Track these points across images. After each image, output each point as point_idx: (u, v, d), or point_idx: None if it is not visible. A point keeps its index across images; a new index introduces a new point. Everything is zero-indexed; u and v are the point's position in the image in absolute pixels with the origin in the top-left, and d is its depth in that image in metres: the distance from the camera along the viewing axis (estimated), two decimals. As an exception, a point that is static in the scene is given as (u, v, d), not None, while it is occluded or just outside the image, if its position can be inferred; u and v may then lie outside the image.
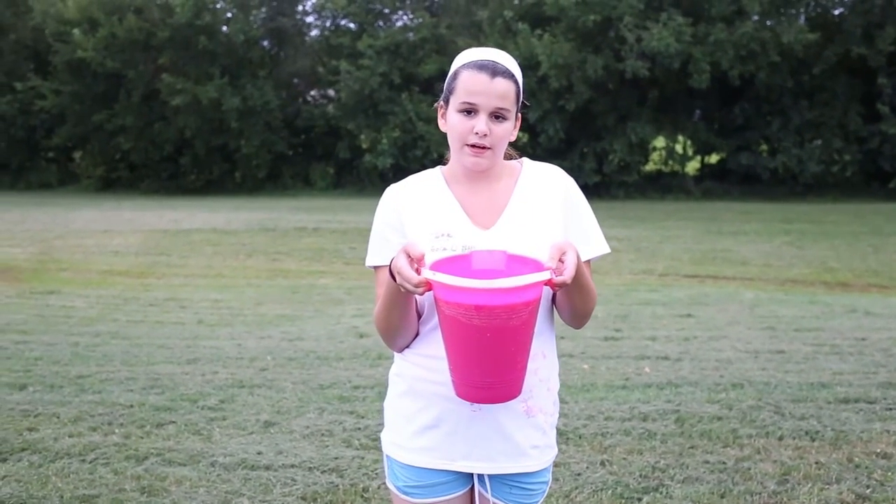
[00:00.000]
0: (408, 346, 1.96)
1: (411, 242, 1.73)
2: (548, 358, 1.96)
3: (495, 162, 1.93)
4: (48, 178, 31.12)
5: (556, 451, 2.04)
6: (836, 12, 27.35)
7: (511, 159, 2.03)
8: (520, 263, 1.74)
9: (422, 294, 1.70)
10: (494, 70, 1.87)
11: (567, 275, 1.67)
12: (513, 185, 1.97)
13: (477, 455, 1.92)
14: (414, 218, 1.93)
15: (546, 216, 1.93)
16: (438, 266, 1.71)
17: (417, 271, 1.69)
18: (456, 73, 1.91)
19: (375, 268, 1.97)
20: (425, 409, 1.93)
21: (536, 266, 1.71)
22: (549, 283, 1.67)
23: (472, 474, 1.98)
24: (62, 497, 3.63)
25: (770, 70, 25.18)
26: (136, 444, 4.26)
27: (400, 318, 1.87)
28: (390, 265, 1.76)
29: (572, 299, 1.88)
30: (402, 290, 1.74)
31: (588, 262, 1.95)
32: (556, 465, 3.96)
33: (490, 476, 1.96)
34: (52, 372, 5.84)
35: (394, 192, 2.00)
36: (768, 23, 25.46)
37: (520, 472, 1.95)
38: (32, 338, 7.21)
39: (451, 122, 1.90)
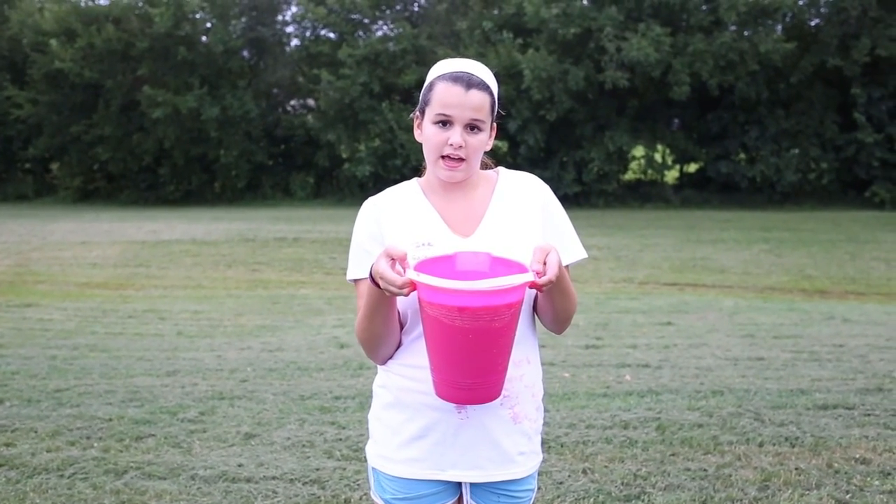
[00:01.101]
0: (391, 357, 1.95)
1: (392, 244, 1.74)
2: (532, 364, 1.97)
3: (470, 173, 1.94)
4: (24, 190, 30.82)
5: (541, 456, 2.05)
6: (813, 23, 27.66)
7: (487, 168, 2.04)
8: (503, 265, 1.74)
9: (406, 295, 1.70)
10: (469, 82, 1.87)
11: (550, 274, 1.68)
12: (490, 194, 1.98)
13: (465, 464, 1.92)
14: (394, 228, 1.93)
15: (525, 223, 1.94)
16: (423, 267, 1.71)
17: (400, 273, 1.69)
18: (431, 85, 1.91)
19: (356, 281, 1.97)
20: (412, 420, 1.93)
21: (520, 268, 1.72)
22: (532, 284, 1.67)
23: (459, 484, 1.98)
24: (40, 512, 3.59)
25: (748, 80, 25.43)
26: (115, 458, 4.22)
27: (382, 326, 1.87)
28: (371, 271, 1.76)
29: (554, 303, 1.89)
30: (387, 293, 1.73)
31: (567, 267, 1.95)
32: (538, 473, 3.97)
33: (478, 485, 1.96)
34: (29, 386, 5.77)
35: (372, 203, 2.00)
36: (746, 33, 25.71)
37: (508, 479, 1.96)
38: (9, 351, 7.12)
39: (426, 133, 1.91)
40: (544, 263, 1.70)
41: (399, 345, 1.94)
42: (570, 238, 1.99)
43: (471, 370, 1.73)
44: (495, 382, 1.78)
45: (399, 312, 1.92)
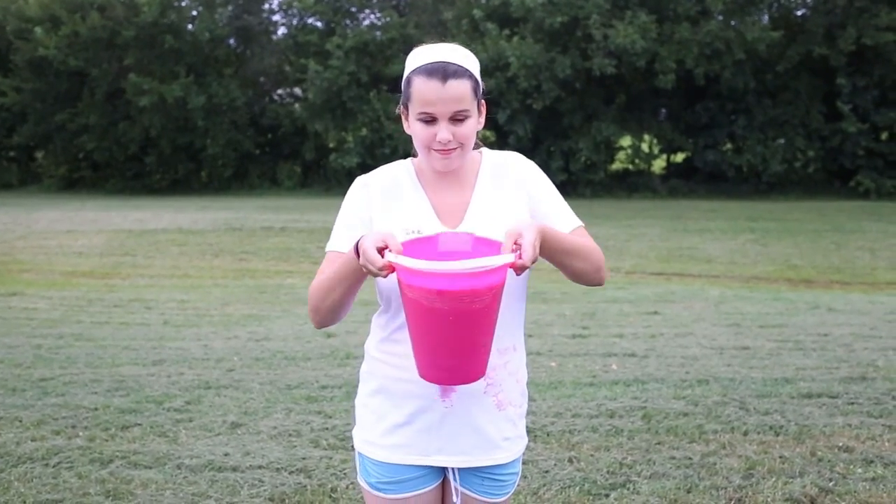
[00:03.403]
0: (334, 320, 1.93)
1: (390, 234, 1.70)
2: (518, 350, 1.98)
3: (465, 157, 1.92)
4: (9, 178, 30.61)
5: (526, 440, 2.06)
6: (799, 13, 27.74)
7: (476, 147, 2.02)
8: (486, 246, 1.72)
9: (384, 277, 1.69)
10: (445, 73, 1.82)
11: (526, 257, 1.65)
12: (474, 177, 1.97)
13: (451, 449, 1.93)
14: (384, 213, 1.92)
15: (511, 204, 1.93)
16: (405, 248, 1.69)
17: (381, 254, 1.68)
18: (409, 80, 1.87)
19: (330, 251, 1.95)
20: (397, 407, 1.93)
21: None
22: (511, 265, 1.66)
23: (443, 468, 1.99)
24: (25, 502, 3.58)
25: (734, 69, 25.49)
26: (101, 448, 4.21)
27: (341, 298, 1.85)
28: (357, 242, 1.73)
29: (564, 266, 1.88)
30: (364, 270, 1.71)
31: (576, 229, 1.95)
32: (524, 462, 3.97)
33: (463, 469, 1.97)
34: (13, 375, 5.75)
35: (363, 184, 1.98)
36: (732, 22, 25.76)
37: (493, 464, 1.96)
38: (-6, 340, 7.09)
39: (413, 129, 1.89)
40: (518, 244, 1.67)
41: (344, 307, 1.91)
42: (560, 209, 1.97)
43: (452, 352, 1.71)
44: (478, 363, 1.77)
45: (381, 293, 1.92)
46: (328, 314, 1.90)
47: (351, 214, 1.94)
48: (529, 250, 1.66)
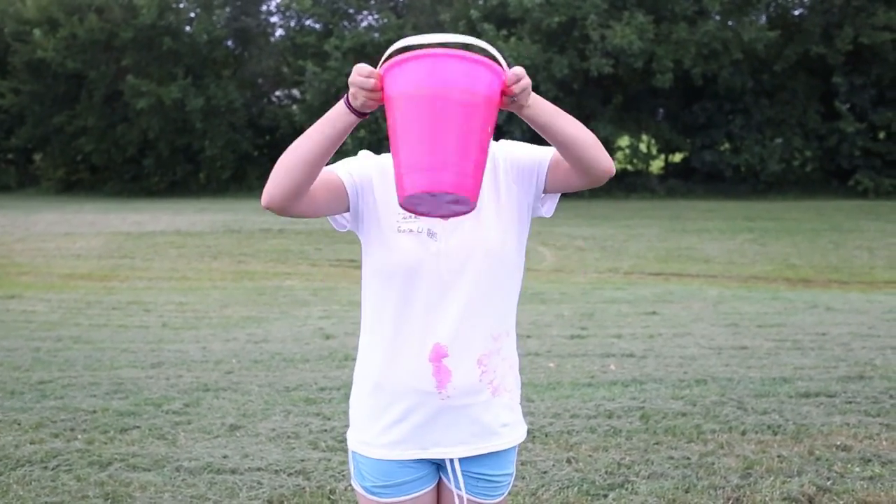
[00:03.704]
0: (286, 197, 1.79)
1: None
2: (510, 336, 1.99)
3: None
4: (7, 181, 30.63)
5: (525, 427, 2.05)
6: (796, 12, 27.80)
7: None
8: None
9: (373, 88, 1.65)
10: None
11: (515, 72, 1.70)
12: None
13: (448, 440, 1.93)
14: (383, 192, 1.91)
15: (503, 190, 1.93)
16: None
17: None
18: None
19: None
20: (392, 404, 1.93)
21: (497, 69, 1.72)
22: (503, 87, 1.69)
23: (438, 471, 1.99)
24: (23, 505, 3.58)
25: (732, 69, 25.53)
26: (100, 450, 4.21)
27: (316, 148, 1.75)
28: (354, 69, 1.71)
29: (560, 134, 1.83)
30: (354, 91, 1.67)
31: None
32: (522, 463, 3.98)
33: (458, 466, 1.96)
34: (12, 378, 5.75)
35: (368, 154, 2.00)
36: (729, 22, 25.80)
37: (493, 450, 1.96)
38: (-8, 343, 7.09)
39: None
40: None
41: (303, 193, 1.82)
42: (534, 149, 1.98)
43: (437, 145, 1.64)
44: (465, 171, 1.66)
45: (377, 270, 1.90)
46: (288, 175, 1.76)
47: (358, 168, 1.94)
48: (524, 80, 1.71)
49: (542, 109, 1.80)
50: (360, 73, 1.66)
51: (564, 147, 1.83)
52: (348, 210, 1.91)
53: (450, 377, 1.88)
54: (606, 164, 1.85)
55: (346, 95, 1.72)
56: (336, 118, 1.74)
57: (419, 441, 1.93)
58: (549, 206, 1.99)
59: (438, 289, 1.86)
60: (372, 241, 1.91)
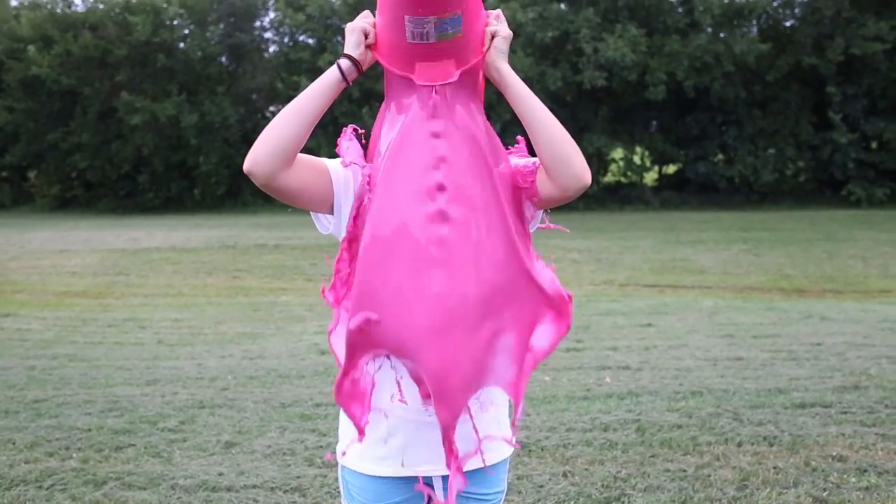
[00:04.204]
0: (272, 159, 1.78)
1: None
2: None
3: None
4: (1, 198, 30.57)
5: (513, 440, 2.04)
6: (788, 23, 27.94)
7: None
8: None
9: (366, 33, 1.81)
10: None
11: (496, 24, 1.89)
12: None
13: (438, 459, 1.91)
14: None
15: None
16: None
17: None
18: None
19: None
20: (380, 422, 1.93)
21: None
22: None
23: (427, 494, 1.98)
24: (18, 525, 3.57)
25: (724, 81, 25.66)
26: (95, 469, 4.20)
27: (301, 111, 1.80)
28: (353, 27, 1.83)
29: (534, 122, 1.91)
30: (355, 36, 1.82)
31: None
32: (518, 477, 3.98)
33: (445, 481, 1.95)
34: (7, 397, 5.73)
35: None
36: (721, 35, 25.95)
37: (481, 466, 1.94)
38: (-13, 362, 7.07)
39: None
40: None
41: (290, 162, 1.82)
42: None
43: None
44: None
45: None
46: (275, 132, 1.78)
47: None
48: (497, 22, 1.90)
49: (516, 81, 1.92)
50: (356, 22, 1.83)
51: (534, 129, 1.89)
52: (331, 211, 1.91)
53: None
54: (580, 165, 1.83)
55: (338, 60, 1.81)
56: (327, 77, 1.82)
57: (409, 459, 1.93)
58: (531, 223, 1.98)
59: None
60: None
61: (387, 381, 1.89)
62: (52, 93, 28.32)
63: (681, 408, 5.11)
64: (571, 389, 5.66)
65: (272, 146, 1.77)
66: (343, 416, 2.04)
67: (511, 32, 1.88)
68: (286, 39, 30.15)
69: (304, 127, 1.80)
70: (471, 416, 1.87)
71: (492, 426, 1.96)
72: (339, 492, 3.85)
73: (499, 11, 1.88)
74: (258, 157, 1.78)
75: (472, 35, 1.81)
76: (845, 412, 4.97)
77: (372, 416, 1.93)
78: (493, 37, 1.85)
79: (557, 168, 1.83)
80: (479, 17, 1.84)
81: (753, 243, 17.21)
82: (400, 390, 1.87)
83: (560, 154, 1.83)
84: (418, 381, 1.81)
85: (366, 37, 1.81)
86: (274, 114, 28.07)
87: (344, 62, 1.81)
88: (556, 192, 1.85)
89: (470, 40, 1.81)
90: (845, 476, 3.97)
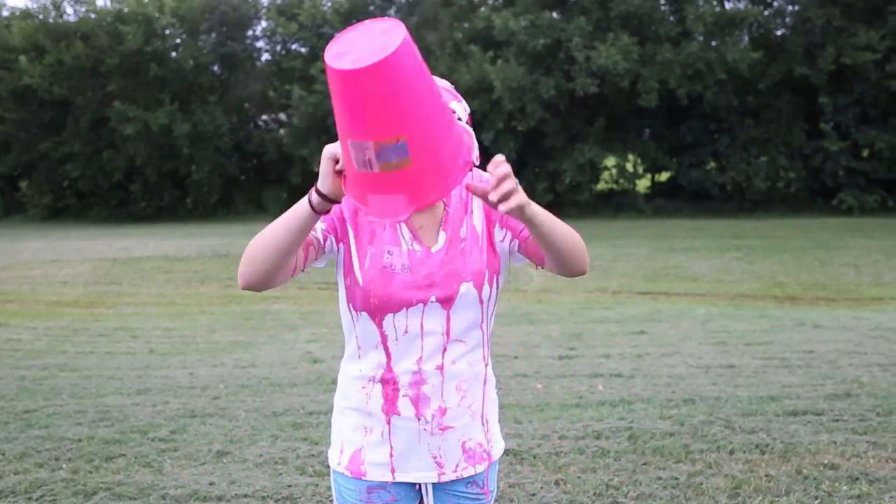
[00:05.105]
0: (263, 282, 1.79)
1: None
2: (486, 360, 2.00)
3: None
4: (-7, 208, 30.54)
5: (503, 444, 2.08)
6: (779, 32, 28.07)
7: None
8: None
9: (335, 153, 1.72)
10: None
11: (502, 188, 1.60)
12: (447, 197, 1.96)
13: (429, 465, 1.94)
14: (365, 225, 1.92)
15: (477, 219, 1.94)
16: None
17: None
18: None
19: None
20: (372, 431, 1.94)
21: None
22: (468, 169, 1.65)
23: (420, 493, 1.99)
24: (7, 536, 3.54)
25: (716, 89, 25.77)
26: (85, 480, 4.17)
27: (277, 250, 1.76)
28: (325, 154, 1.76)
29: (549, 237, 1.78)
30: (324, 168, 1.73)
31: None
32: (510, 485, 3.97)
33: (438, 488, 1.97)
34: (-3, 407, 5.70)
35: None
36: (713, 43, 26.06)
37: (472, 473, 1.97)
38: (-23, 372, 7.03)
39: None
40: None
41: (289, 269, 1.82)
42: (510, 222, 1.95)
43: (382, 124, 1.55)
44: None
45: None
46: (257, 269, 1.77)
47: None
48: (504, 169, 1.61)
49: (543, 218, 1.74)
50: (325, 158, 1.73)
51: (556, 250, 1.83)
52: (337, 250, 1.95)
53: (428, 403, 1.89)
54: (583, 267, 1.89)
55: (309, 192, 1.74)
56: (300, 210, 1.76)
57: (401, 465, 1.94)
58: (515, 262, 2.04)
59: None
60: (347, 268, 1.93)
61: (380, 390, 1.90)
62: (44, 102, 28.29)
63: (673, 415, 5.11)
64: (564, 397, 5.65)
65: (256, 271, 1.78)
66: (335, 422, 2.04)
67: (514, 181, 1.65)
68: (278, 48, 30.19)
69: (282, 258, 1.77)
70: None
71: (480, 434, 1.99)
72: (330, 501, 3.84)
73: (499, 173, 1.62)
74: (249, 279, 1.80)
75: (429, 167, 1.57)
76: (837, 420, 4.97)
77: (366, 422, 1.94)
78: (500, 200, 1.61)
79: (566, 269, 1.89)
80: (441, 146, 1.58)
81: (746, 251, 17.25)
82: (395, 403, 1.90)
83: (573, 262, 1.88)
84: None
85: (336, 162, 1.73)
86: (266, 123, 27.79)
87: (314, 197, 1.74)
88: (552, 271, 1.94)
89: (426, 173, 1.57)
90: (837, 484, 3.97)
